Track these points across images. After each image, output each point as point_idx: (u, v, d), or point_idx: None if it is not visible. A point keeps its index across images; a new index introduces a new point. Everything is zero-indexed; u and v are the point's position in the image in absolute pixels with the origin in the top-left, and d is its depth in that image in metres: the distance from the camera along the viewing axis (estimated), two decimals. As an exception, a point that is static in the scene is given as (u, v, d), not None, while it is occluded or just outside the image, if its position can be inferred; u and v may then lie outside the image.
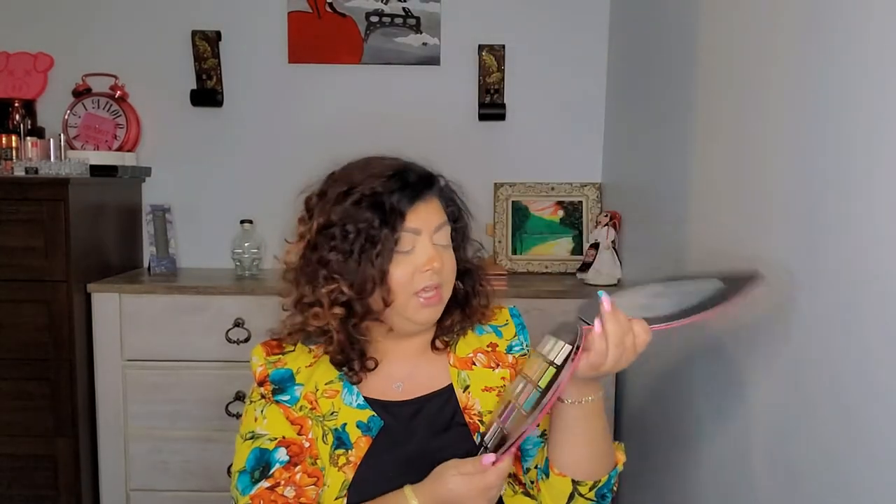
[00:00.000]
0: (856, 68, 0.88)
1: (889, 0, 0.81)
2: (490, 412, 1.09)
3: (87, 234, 2.05)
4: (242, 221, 2.28)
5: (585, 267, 2.16)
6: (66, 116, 2.31)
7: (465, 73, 2.36)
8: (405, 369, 1.11)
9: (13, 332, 1.96)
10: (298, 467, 1.02)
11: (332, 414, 1.05)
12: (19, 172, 2.04)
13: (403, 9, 2.34)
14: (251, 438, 1.04)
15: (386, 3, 2.34)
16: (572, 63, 2.37)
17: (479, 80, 2.34)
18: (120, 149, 2.31)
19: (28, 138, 2.16)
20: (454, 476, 0.92)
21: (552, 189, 2.37)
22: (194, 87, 2.34)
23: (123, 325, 2.03)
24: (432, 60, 2.36)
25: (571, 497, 1.03)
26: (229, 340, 2.04)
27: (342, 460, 1.02)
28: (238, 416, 2.03)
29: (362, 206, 1.01)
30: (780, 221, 1.07)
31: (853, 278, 0.88)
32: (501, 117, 2.36)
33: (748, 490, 1.17)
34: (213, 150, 2.40)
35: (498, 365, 1.14)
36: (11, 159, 2.12)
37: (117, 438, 2.07)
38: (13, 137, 2.16)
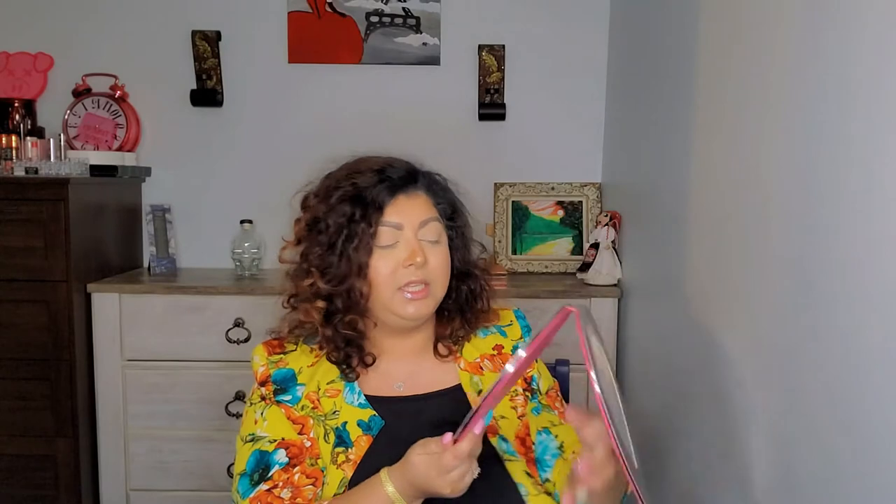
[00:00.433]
0: (856, 68, 0.88)
1: (889, 1, 0.81)
2: (503, 417, 1.09)
3: (87, 234, 2.05)
4: (242, 221, 2.28)
5: (585, 267, 2.16)
6: (66, 116, 2.31)
7: (465, 73, 2.36)
8: (406, 369, 1.11)
9: (13, 332, 1.96)
10: (297, 468, 1.02)
11: (333, 413, 1.05)
12: (19, 172, 2.04)
13: (403, 9, 2.34)
14: (251, 441, 1.04)
15: (386, 3, 2.34)
16: (572, 63, 2.37)
17: (479, 80, 2.34)
18: (120, 149, 2.31)
19: (28, 138, 2.16)
20: (419, 455, 0.90)
21: (552, 189, 2.37)
22: (194, 87, 2.34)
23: (123, 325, 2.03)
24: (432, 60, 2.36)
25: None
26: (229, 340, 2.04)
27: (341, 458, 1.02)
28: (238, 415, 2.03)
29: (344, 200, 1.03)
30: (780, 221, 1.07)
31: (853, 278, 0.88)
32: (501, 117, 2.36)
33: (746, 489, 1.17)
34: (213, 150, 2.40)
35: None
36: (11, 159, 2.12)
37: (117, 438, 2.07)
38: (13, 137, 2.16)
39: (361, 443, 1.03)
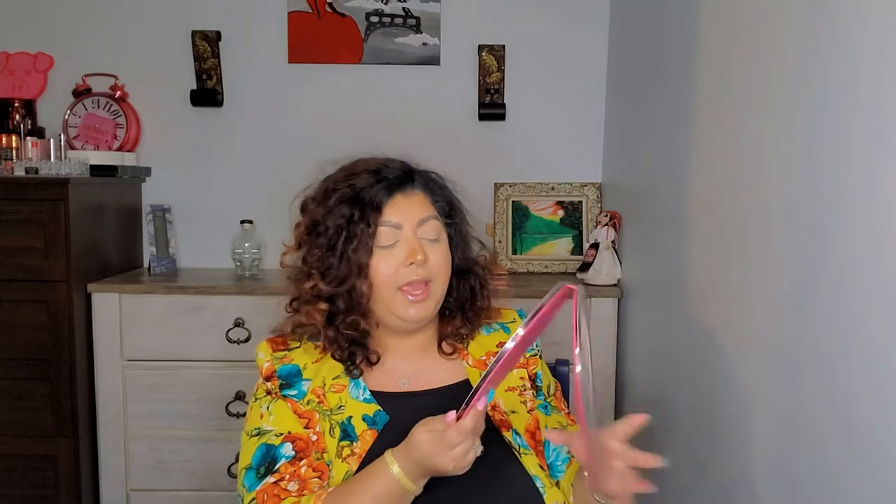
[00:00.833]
0: (855, 68, 0.88)
1: (889, 1, 0.81)
2: (514, 412, 1.10)
3: (87, 234, 2.05)
4: (242, 221, 2.28)
5: (585, 267, 2.16)
6: (66, 116, 2.31)
7: (465, 73, 2.36)
8: (409, 367, 1.11)
9: (13, 332, 1.96)
10: (303, 461, 1.02)
11: (339, 408, 1.06)
12: (19, 172, 2.04)
13: (403, 9, 2.34)
14: (257, 435, 1.05)
15: (386, 3, 2.34)
16: (572, 63, 2.37)
17: (479, 80, 2.34)
18: (120, 149, 2.31)
19: (28, 138, 2.16)
20: (422, 433, 0.91)
21: (552, 189, 2.37)
22: (194, 87, 2.34)
23: (123, 325, 2.03)
24: (432, 60, 2.36)
25: None
26: (229, 340, 2.04)
27: (347, 452, 1.03)
28: (238, 415, 2.03)
29: (342, 202, 1.04)
30: (780, 221, 1.07)
31: (852, 278, 0.88)
32: (501, 117, 2.36)
33: (745, 488, 1.17)
34: (213, 150, 2.40)
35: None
36: (11, 159, 2.12)
37: (117, 438, 2.07)
38: (13, 137, 2.16)
39: (366, 437, 1.04)
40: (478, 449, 0.91)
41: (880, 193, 0.82)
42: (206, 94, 2.33)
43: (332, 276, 1.04)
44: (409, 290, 1.04)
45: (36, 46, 2.34)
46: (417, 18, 2.34)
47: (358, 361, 1.08)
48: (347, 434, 1.04)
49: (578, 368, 0.83)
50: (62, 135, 2.21)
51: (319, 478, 1.02)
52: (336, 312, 1.06)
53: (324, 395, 1.06)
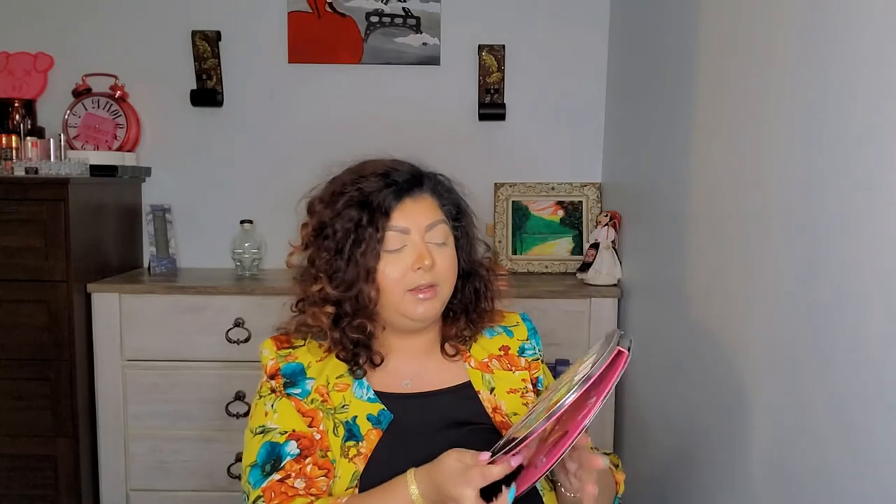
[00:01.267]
0: (856, 67, 0.88)
1: (889, 1, 0.81)
2: (515, 413, 1.10)
3: (87, 234, 2.05)
4: (242, 221, 2.29)
5: (585, 267, 2.16)
6: (66, 116, 2.31)
7: (465, 73, 2.36)
8: (413, 367, 1.11)
9: (13, 332, 1.96)
10: (309, 459, 1.02)
11: (342, 407, 1.06)
12: (19, 172, 2.04)
13: (403, 9, 2.34)
14: (262, 433, 1.05)
15: (386, 3, 2.34)
16: (572, 63, 2.37)
17: (479, 80, 2.34)
18: (120, 149, 2.31)
19: (28, 138, 2.16)
20: (452, 459, 0.90)
21: (552, 189, 2.37)
22: (194, 87, 2.34)
23: (123, 325, 2.03)
24: (432, 60, 2.36)
25: None
26: (229, 340, 2.04)
27: (352, 452, 1.03)
28: (238, 415, 2.03)
29: (350, 205, 1.04)
30: (780, 221, 1.07)
31: (853, 278, 0.88)
32: (501, 117, 2.36)
33: (745, 488, 1.17)
34: (213, 150, 2.40)
35: (512, 367, 1.15)
36: (11, 159, 2.12)
37: (117, 438, 2.07)
38: (13, 137, 2.16)
39: (371, 436, 1.04)
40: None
41: (880, 193, 0.82)
42: (206, 94, 2.33)
43: (339, 279, 1.04)
44: (416, 290, 1.04)
45: (36, 46, 2.34)
46: (417, 18, 2.34)
47: (362, 362, 1.08)
48: (352, 434, 1.04)
49: (587, 422, 0.82)
50: (62, 135, 2.20)
51: (325, 476, 1.02)
52: (342, 315, 1.06)
53: (327, 394, 1.06)
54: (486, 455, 0.88)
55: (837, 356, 0.92)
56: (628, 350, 0.83)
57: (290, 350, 1.10)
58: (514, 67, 2.35)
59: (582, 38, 2.35)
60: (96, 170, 2.12)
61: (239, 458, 2.02)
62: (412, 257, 1.03)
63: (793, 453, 1.03)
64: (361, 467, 1.02)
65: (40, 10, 2.35)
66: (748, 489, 1.17)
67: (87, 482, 2.05)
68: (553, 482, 1.09)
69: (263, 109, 2.39)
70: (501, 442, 0.93)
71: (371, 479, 1.00)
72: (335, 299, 1.04)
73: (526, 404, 1.13)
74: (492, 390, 1.12)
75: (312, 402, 1.06)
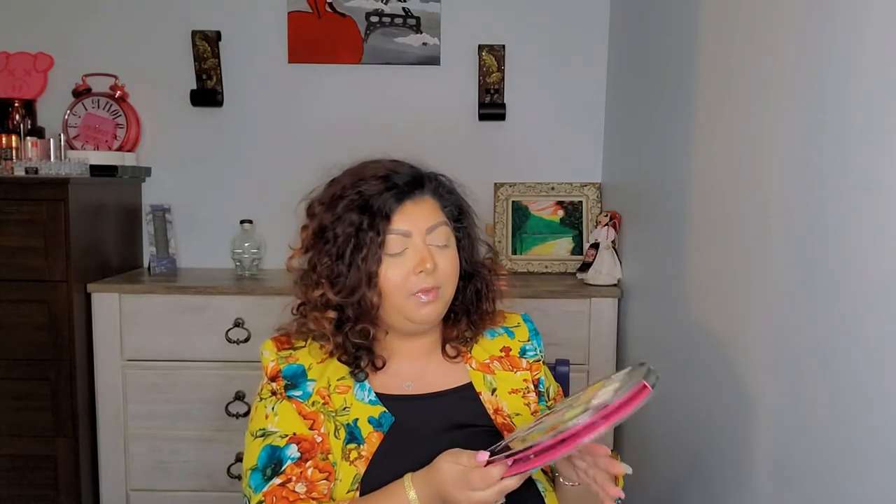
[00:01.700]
0: (856, 67, 0.88)
1: (889, 1, 0.81)
2: (518, 414, 1.10)
3: (87, 234, 2.05)
4: (242, 221, 2.29)
5: (585, 267, 2.16)
6: (66, 116, 2.31)
7: (465, 73, 2.36)
8: (414, 369, 1.11)
9: (13, 332, 1.96)
10: (310, 463, 1.02)
11: (344, 409, 1.05)
12: (19, 172, 2.04)
13: (403, 9, 2.34)
14: (262, 436, 1.04)
15: (386, 3, 2.34)
16: (572, 63, 2.37)
17: (479, 80, 2.34)
18: (120, 149, 2.31)
19: (28, 138, 2.16)
20: (448, 462, 0.90)
21: (552, 189, 2.37)
22: (194, 87, 2.34)
23: (123, 325, 2.03)
24: (432, 60, 2.36)
25: None
26: (229, 340, 2.04)
27: (353, 455, 1.03)
28: (238, 416, 2.03)
29: (350, 209, 1.03)
30: (780, 221, 1.07)
31: (853, 278, 0.88)
32: (501, 117, 2.36)
33: (745, 488, 1.17)
34: (213, 150, 2.40)
35: (514, 368, 1.14)
36: (11, 159, 2.12)
37: (117, 438, 2.07)
38: (13, 137, 2.16)
39: (373, 439, 1.03)
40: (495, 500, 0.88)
41: (880, 193, 0.82)
42: (206, 94, 2.33)
43: (341, 285, 1.03)
44: (419, 293, 1.03)
45: (36, 46, 2.34)
46: (417, 18, 2.34)
47: (363, 365, 1.07)
48: (354, 436, 1.04)
49: (588, 439, 0.82)
50: (62, 135, 2.20)
51: (326, 479, 1.02)
52: (345, 320, 1.05)
53: (329, 396, 1.06)
54: (483, 455, 0.88)
55: (837, 356, 0.92)
56: (653, 387, 0.84)
57: (291, 351, 1.09)
58: (514, 67, 2.35)
59: (582, 38, 2.35)
60: (96, 170, 2.12)
61: (239, 459, 2.02)
62: (414, 260, 1.03)
63: (793, 453, 1.03)
64: (362, 470, 1.01)
65: (40, 10, 2.35)
66: (749, 489, 1.17)
67: (87, 482, 2.05)
68: (552, 479, 1.09)
69: (263, 109, 2.39)
70: (502, 444, 0.93)
71: (372, 481, 1.00)
72: (337, 304, 1.04)
73: (528, 404, 1.12)
74: (493, 391, 1.11)
75: (313, 404, 1.05)
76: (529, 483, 1.04)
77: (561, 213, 2.37)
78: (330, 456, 1.03)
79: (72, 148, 2.28)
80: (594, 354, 2.06)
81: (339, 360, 1.07)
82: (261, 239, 2.30)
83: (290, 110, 2.38)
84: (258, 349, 1.11)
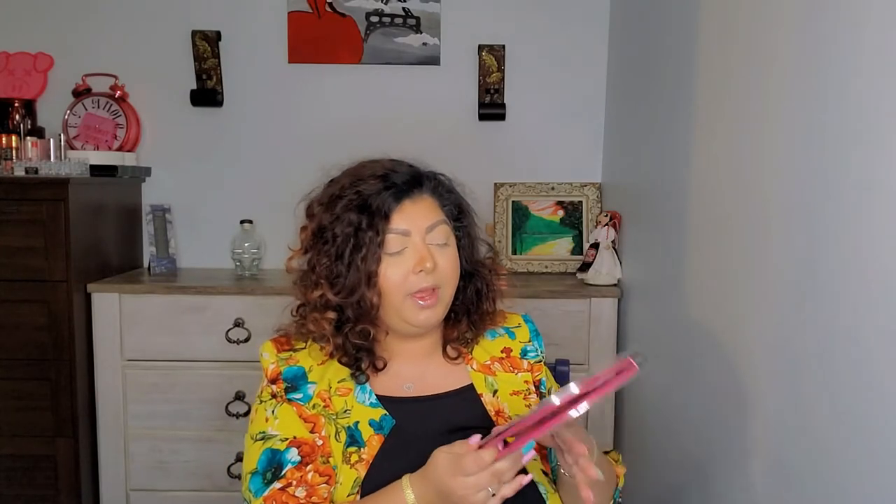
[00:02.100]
0: (855, 68, 0.88)
1: (889, 1, 0.81)
2: (519, 416, 1.10)
3: (87, 234, 2.05)
4: (242, 221, 2.29)
5: (585, 267, 2.16)
6: (66, 116, 2.31)
7: (465, 73, 2.36)
8: (415, 371, 1.11)
9: (13, 332, 1.96)
10: (310, 466, 1.01)
11: (344, 412, 1.05)
12: (19, 172, 2.04)
13: (403, 9, 2.34)
14: (262, 439, 1.04)
15: (386, 3, 2.34)
16: (572, 63, 2.37)
17: (479, 80, 2.34)
18: (120, 149, 2.31)
19: (28, 138, 2.16)
20: (443, 452, 0.90)
21: (552, 189, 2.37)
22: (194, 87, 2.34)
23: (123, 325, 2.03)
24: (432, 60, 2.36)
25: None
26: (229, 340, 2.04)
27: (354, 458, 1.02)
28: (238, 416, 2.03)
29: (349, 209, 1.02)
30: (780, 221, 1.07)
31: (853, 277, 0.88)
32: (501, 117, 2.36)
33: (745, 488, 1.17)
34: (213, 150, 2.40)
35: (515, 369, 1.14)
36: (11, 159, 2.12)
37: (117, 438, 2.07)
38: (13, 137, 2.16)
39: (373, 442, 1.03)
40: (491, 491, 0.87)
41: (880, 193, 0.82)
42: (206, 94, 2.33)
43: (340, 285, 1.02)
44: (418, 296, 1.03)
45: (36, 46, 2.34)
46: (417, 18, 2.34)
47: (364, 367, 1.07)
48: (354, 439, 1.03)
49: (580, 411, 0.82)
50: (62, 135, 2.20)
51: (326, 483, 1.01)
52: (345, 321, 1.04)
53: (329, 399, 1.06)
54: (476, 438, 0.88)
55: (837, 356, 0.92)
56: (640, 366, 0.84)
57: (291, 353, 1.09)
58: (514, 67, 2.35)
59: (582, 38, 2.35)
60: (96, 170, 2.12)
61: (239, 459, 2.02)
62: (413, 259, 1.02)
63: (793, 453, 1.03)
64: (363, 473, 1.01)
65: (40, 10, 2.35)
66: (748, 489, 1.17)
67: (87, 482, 2.05)
68: (554, 480, 1.09)
69: (263, 109, 2.39)
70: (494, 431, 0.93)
71: (372, 484, 0.99)
72: (336, 305, 1.03)
73: (529, 405, 1.12)
74: (494, 392, 1.11)
75: (314, 407, 1.05)
76: (532, 486, 1.03)
77: (561, 213, 2.37)
78: (331, 459, 1.03)
79: (72, 148, 2.28)
80: (594, 354, 2.06)
81: (340, 361, 1.07)
82: (261, 239, 2.30)
83: (290, 110, 2.38)
84: (258, 349, 1.11)
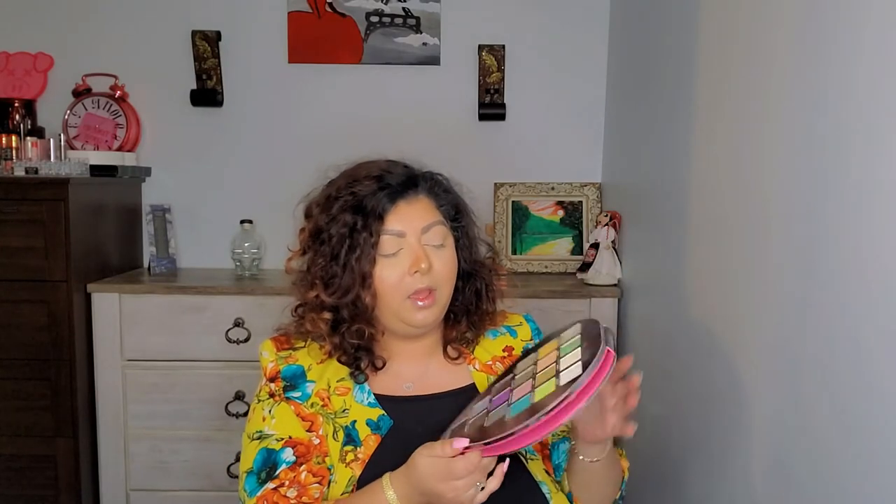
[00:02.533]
0: (855, 68, 0.88)
1: (889, 1, 0.81)
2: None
3: (87, 234, 2.05)
4: (242, 221, 2.29)
5: (585, 267, 2.16)
6: (66, 116, 2.31)
7: (465, 73, 2.36)
8: (415, 370, 1.11)
9: (13, 332, 1.96)
10: (303, 467, 1.01)
11: (343, 411, 1.05)
12: (19, 172, 2.04)
13: (403, 9, 2.34)
14: (258, 438, 1.04)
15: (386, 3, 2.34)
16: (572, 63, 2.37)
17: (479, 80, 2.34)
18: (120, 149, 2.31)
19: (28, 138, 2.16)
20: (424, 457, 0.89)
21: (552, 189, 2.37)
22: (194, 87, 2.34)
23: (123, 325, 2.03)
24: (432, 60, 2.36)
25: None
26: (229, 340, 2.04)
27: (350, 457, 1.02)
28: (238, 415, 2.03)
29: (345, 210, 1.03)
30: (781, 221, 1.07)
31: (853, 277, 0.88)
32: (501, 117, 2.36)
33: (745, 489, 1.17)
34: (213, 150, 2.40)
35: None
36: (11, 159, 2.12)
37: (117, 438, 2.07)
38: (13, 137, 2.16)
39: (370, 442, 1.03)
40: (479, 486, 0.89)
41: (880, 193, 0.82)
42: (206, 94, 2.33)
43: (335, 285, 1.02)
44: (415, 297, 1.03)
45: (36, 46, 2.34)
46: (417, 18, 2.34)
47: (363, 367, 1.07)
48: (351, 439, 1.03)
49: (571, 415, 0.85)
50: (62, 135, 2.21)
51: (319, 483, 1.01)
52: (341, 321, 1.05)
53: (328, 398, 1.06)
54: (461, 442, 0.88)
55: (837, 356, 0.91)
56: (615, 349, 0.89)
57: (291, 351, 1.09)
58: (514, 67, 2.35)
59: (582, 38, 2.35)
60: (96, 170, 2.12)
61: (239, 458, 2.02)
62: (409, 261, 1.02)
63: (793, 453, 1.03)
64: (358, 473, 1.01)
65: (40, 10, 2.35)
66: (748, 489, 1.17)
67: (87, 482, 2.05)
68: (558, 482, 1.09)
69: (263, 109, 2.39)
70: (460, 422, 0.95)
71: (367, 483, 0.99)
72: (332, 305, 1.04)
73: None
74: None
75: (312, 405, 1.05)
76: (535, 487, 1.04)
77: (561, 213, 2.37)
78: (327, 458, 1.03)
79: (72, 148, 2.28)
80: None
81: (339, 360, 1.07)
82: (261, 239, 2.30)
83: (290, 110, 2.38)
84: (258, 349, 1.11)
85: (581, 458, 1.02)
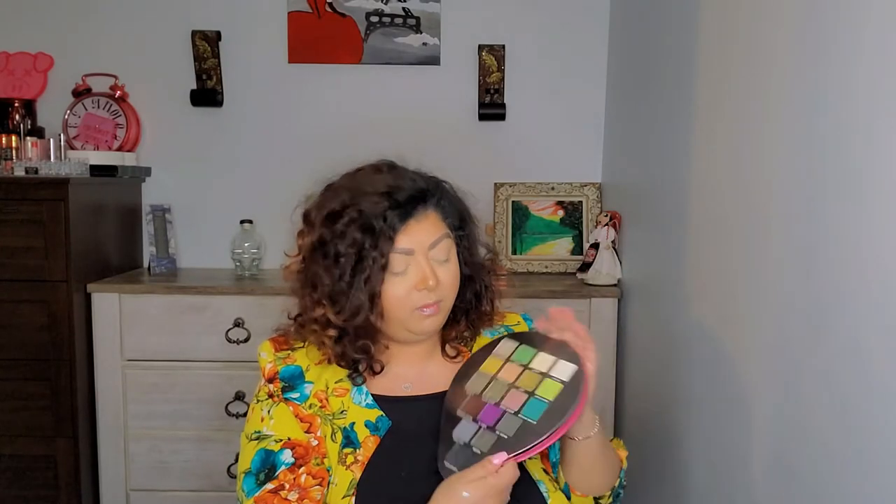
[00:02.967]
0: (855, 68, 0.88)
1: (888, 1, 0.81)
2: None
3: (87, 234, 2.05)
4: (242, 221, 2.29)
5: (585, 267, 2.16)
6: (66, 116, 2.31)
7: (465, 73, 2.36)
8: (413, 371, 1.11)
9: (13, 332, 1.96)
10: (303, 468, 1.01)
11: (341, 412, 1.05)
12: (19, 172, 2.04)
13: (403, 9, 2.34)
14: (257, 439, 1.04)
15: (386, 3, 2.34)
16: (572, 63, 2.37)
17: (479, 80, 2.34)
18: (120, 149, 2.31)
19: (28, 138, 2.16)
20: (466, 486, 0.91)
21: (552, 189, 2.37)
22: (194, 87, 2.34)
23: (123, 325, 2.03)
24: (432, 60, 2.36)
25: None
26: (229, 340, 2.04)
27: (350, 459, 1.02)
28: (238, 416, 2.03)
29: (352, 227, 1.00)
30: (781, 221, 1.07)
31: (853, 277, 0.88)
32: (501, 117, 2.36)
33: (745, 489, 1.17)
34: (213, 150, 2.40)
35: None
36: (11, 159, 2.12)
37: (117, 438, 2.07)
38: (13, 137, 2.16)
39: (369, 443, 1.03)
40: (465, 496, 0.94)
41: (880, 193, 0.82)
42: (206, 94, 2.33)
43: (342, 304, 1.01)
44: (421, 308, 1.03)
45: (36, 46, 2.34)
46: (417, 18, 2.34)
47: (362, 370, 1.07)
48: (350, 440, 1.03)
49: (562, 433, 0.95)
50: (62, 135, 2.20)
51: (319, 485, 1.01)
52: (344, 334, 1.04)
53: (326, 399, 1.05)
54: (501, 456, 0.93)
55: (837, 356, 0.92)
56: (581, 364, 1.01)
57: (289, 352, 1.09)
58: (514, 67, 2.35)
59: (582, 39, 2.35)
60: (96, 170, 2.12)
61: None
62: (416, 277, 1.01)
63: (793, 453, 1.03)
64: (359, 475, 1.00)
65: (40, 10, 2.35)
66: (748, 489, 1.17)
67: (87, 482, 2.05)
68: (556, 479, 1.09)
69: (263, 109, 2.39)
70: (465, 433, 0.99)
71: (368, 486, 0.99)
72: (339, 325, 1.03)
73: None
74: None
75: (311, 407, 1.05)
76: (533, 486, 1.04)
77: (561, 213, 2.37)
78: (326, 460, 1.03)
79: (72, 148, 2.28)
80: (594, 354, 2.05)
81: (338, 365, 1.07)
82: (261, 239, 2.30)
83: (290, 110, 2.38)
84: (257, 351, 1.11)
85: (572, 438, 1.02)
